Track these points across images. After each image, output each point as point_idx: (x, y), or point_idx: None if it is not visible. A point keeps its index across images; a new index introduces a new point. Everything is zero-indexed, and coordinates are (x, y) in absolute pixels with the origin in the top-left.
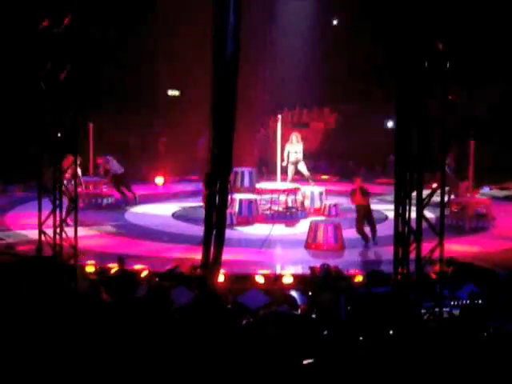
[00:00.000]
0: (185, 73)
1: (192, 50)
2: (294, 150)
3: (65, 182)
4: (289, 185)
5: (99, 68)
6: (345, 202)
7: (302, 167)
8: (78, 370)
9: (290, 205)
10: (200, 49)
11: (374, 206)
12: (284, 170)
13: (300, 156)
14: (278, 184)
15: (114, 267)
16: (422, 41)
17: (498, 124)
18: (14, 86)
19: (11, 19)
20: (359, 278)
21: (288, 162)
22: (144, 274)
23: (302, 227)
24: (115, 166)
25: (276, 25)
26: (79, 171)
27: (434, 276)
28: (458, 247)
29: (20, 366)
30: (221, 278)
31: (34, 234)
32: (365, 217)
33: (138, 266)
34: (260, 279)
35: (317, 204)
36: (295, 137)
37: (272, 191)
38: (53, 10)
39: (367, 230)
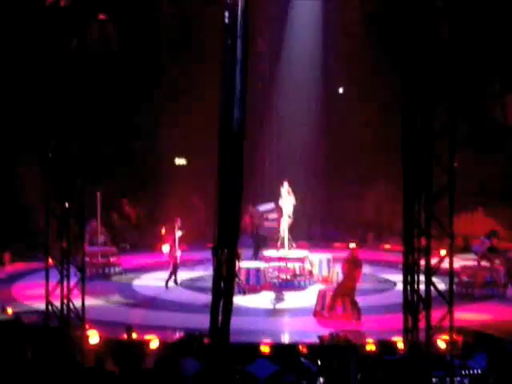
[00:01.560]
0: (192, 141)
1: (199, 117)
2: (287, 203)
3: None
4: (296, 253)
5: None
6: None
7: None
8: None
9: (297, 273)
10: (207, 116)
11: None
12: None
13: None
14: (286, 252)
15: (121, 337)
16: (427, 106)
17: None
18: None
19: None
20: (372, 347)
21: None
22: (152, 344)
23: (310, 295)
24: None
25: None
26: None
27: (444, 345)
28: (467, 315)
29: None
30: (227, 347)
31: (41, 304)
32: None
33: (146, 336)
34: (268, 348)
35: (324, 272)
36: (285, 190)
37: (279, 259)
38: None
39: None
